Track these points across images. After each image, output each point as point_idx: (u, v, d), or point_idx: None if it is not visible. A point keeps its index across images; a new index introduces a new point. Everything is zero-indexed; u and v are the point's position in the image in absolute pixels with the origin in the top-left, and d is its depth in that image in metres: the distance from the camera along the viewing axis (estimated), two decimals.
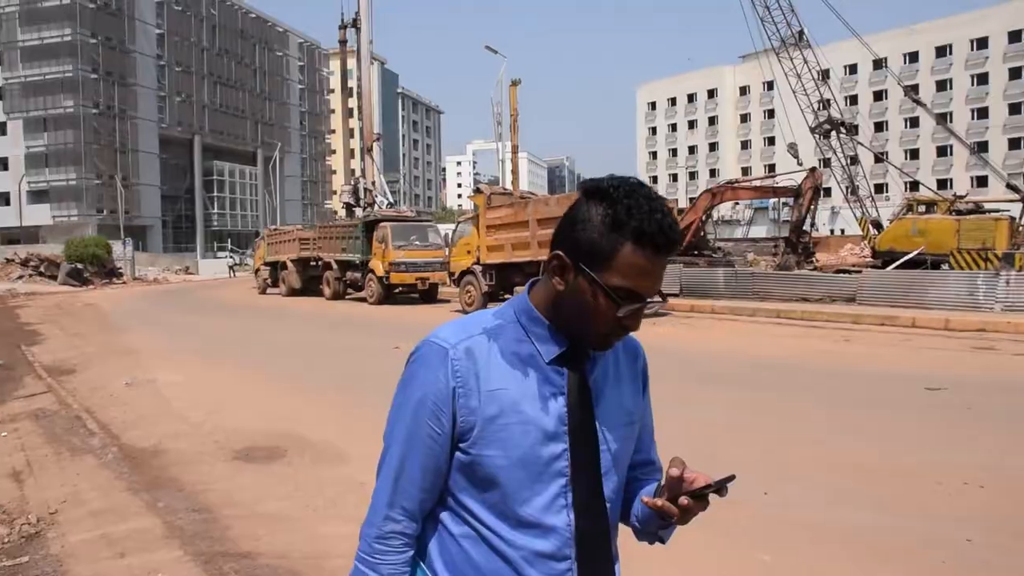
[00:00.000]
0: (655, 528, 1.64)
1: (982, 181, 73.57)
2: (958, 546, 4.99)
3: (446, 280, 26.48)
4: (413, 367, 1.53)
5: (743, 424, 8.45)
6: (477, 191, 24.56)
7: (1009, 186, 30.04)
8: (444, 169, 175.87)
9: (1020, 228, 27.10)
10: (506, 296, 23.23)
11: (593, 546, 1.54)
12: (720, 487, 1.46)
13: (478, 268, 22.77)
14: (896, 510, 5.56)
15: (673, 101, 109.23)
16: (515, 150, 37.28)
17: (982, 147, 78.45)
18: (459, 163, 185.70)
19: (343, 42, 39.20)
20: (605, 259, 1.41)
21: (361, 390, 10.59)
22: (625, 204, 1.40)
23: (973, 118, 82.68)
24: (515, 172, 36.46)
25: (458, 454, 1.50)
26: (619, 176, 1.48)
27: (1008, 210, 28.81)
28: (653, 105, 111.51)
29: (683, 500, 1.46)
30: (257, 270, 40.25)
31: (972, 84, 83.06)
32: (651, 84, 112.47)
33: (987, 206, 30.93)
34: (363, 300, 29.18)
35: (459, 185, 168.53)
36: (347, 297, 31.53)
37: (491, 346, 1.50)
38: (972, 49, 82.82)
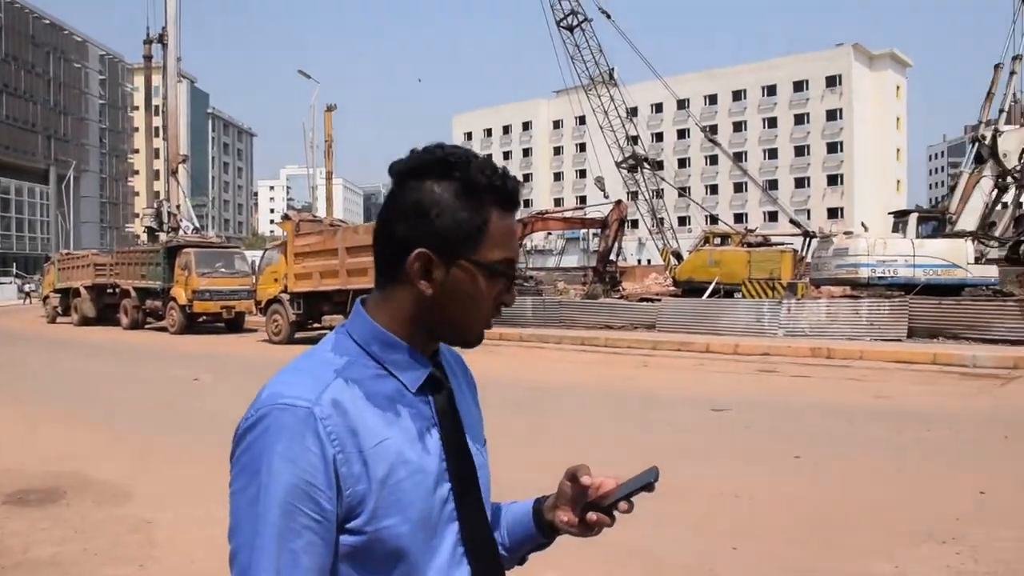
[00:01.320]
0: (528, 551, 1.50)
1: (773, 216, 79.37)
2: (726, 555, 5.32)
3: (252, 309, 25.67)
4: (260, 443, 1.13)
5: (533, 452, 8.62)
6: (285, 218, 24.01)
7: (792, 221, 32.53)
8: (256, 194, 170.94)
9: (803, 260, 29.34)
10: (315, 325, 22.73)
11: None
12: (648, 484, 1.32)
13: (286, 297, 22.20)
14: (674, 525, 5.84)
15: (489, 132, 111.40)
16: (329, 176, 36.84)
17: (773, 185, 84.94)
18: (272, 188, 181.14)
19: (148, 57, 37.46)
20: (479, 236, 1.22)
21: (154, 424, 10.03)
22: (475, 169, 1.22)
23: (765, 158, 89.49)
24: (329, 199, 35.98)
25: (345, 538, 1.16)
26: (431, 145, 1.26)
27: (792, 243, 31.17)
28: (469, 135, 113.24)
29: (591, 516, 1.34)
30: (46, 297, 37.49)
31: (764, 127, 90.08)
32: (467, 114, 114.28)
33: (774, 239, 33.40)
34: (164, 330, 27.76)
35: (272, 211, 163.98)
36: (147, 327, 29.92)
37: (353, 391, 1.19)
38: (763, 95, 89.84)
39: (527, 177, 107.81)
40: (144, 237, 38.03)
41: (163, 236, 33.40)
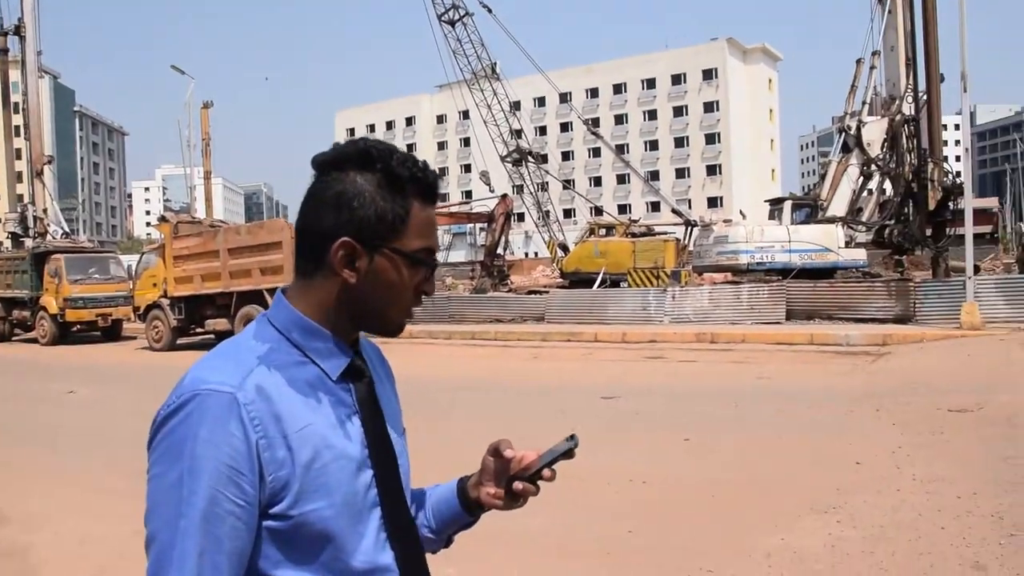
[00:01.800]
0: (455, 531, 1.53)
1: (655, 206, 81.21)
2: (621, 538, 5.42)
3: (131, 315, 24.64)
4: (183, 428, 1.13)
5: (423, 447, 8.56)
6: (162, 220, 23.14)
7: (674, 211, 33.37)
8: (130, 195, 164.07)
9: (685, 248, 30.14)
10: (198, 330, 22.00)
11: (417, 574, 1.36)
12: (568, 451, 1.36)
13: (166, 301, 21.40)
14: (571, 511, 5.89)
15: (372, 128, 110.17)
16: (208, 175, 35.73)
17: (655, 176, 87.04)
18: (147, 189, 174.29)
19: (4, 51, 35.35)
20: (401, 226, 1.24)
21: (25, 442, 9.48)
22: (397, 161, 1.24)
23: (646, 150, 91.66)
24: (208, 199, 34.88)
25: (269, 523, 1.17)
26: (355, 139, 1.28)
27: (675, 232, 31.98)
28: (352, 131, 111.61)
29: (518, 485, 1.38)
30: None
31: (644, 119, 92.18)
32: (350, 110, 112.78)
33: (658, 229, 34.20)
34: (35, 341, 26.35)
35: (148, 212, 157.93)
36: (15, 339, 28.30)
37: (275, 377, 1.20)
38: (643, 88, 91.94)
39: None
40: (8, 243, 35.97)
41: (29, 242, 31.65)
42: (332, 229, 1.22)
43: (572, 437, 1.37)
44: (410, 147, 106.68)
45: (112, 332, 26.38)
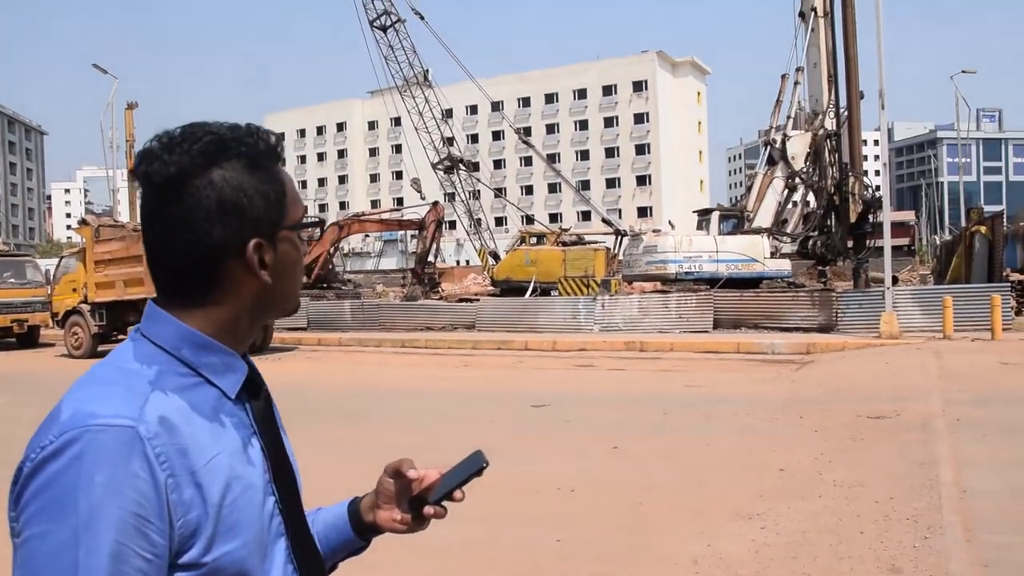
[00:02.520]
0: (342, 558, 1.39)
1: (586, 216, 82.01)
2: (549, 547, 5.42)
3: (48, 321, 23.82)
4: (72, 474, 0.93)
5: (345, 458, 8.46)
6: (83, 223, 22.42)
7: (604, 221, 33.77)
8: (50, 197, 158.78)
9: (615, 257, 30.49)
10: (120, 337, 21.38)
11: None
12: (479, 470, 1.27)
13: (86, 307, 20.74)
14: (498, 520, 5.88)
15: (303, 132, 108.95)
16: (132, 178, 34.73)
17: (586, 186, 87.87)
18: (68, 191, 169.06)
19: None
20: (283, 201, 1.13)
21: None
22: (249, 138, 1.11)
23: (577, 159, 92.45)
24: (132, 202, 33.99)
25: (178, 575, 1.00)
26: (177, 133, 1.09)
27: (605, 242, 32.32)
28: (282, 136, 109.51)
29: (428, 509, 1.29)
30: None
31: (576, 129, 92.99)
32: (280, 114, 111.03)
33: (588, 238, 34.54)
34: None
35: (68, 215, 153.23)
36: None
37: (174, 403, 1.03)
38: (575, 98, 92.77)
39: (342, 179, 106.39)
40: None
41: None
42: (227, 240, 1.07)
43: (478, 454, 1.30)
44: (341, 153, 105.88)
45: (28, 339, 25.47)
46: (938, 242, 49.31)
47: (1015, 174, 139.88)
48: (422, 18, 36.94)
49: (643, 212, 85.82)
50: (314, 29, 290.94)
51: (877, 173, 21.80)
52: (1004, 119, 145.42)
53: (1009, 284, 19.88)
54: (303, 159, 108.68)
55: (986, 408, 9.70)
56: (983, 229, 21.03)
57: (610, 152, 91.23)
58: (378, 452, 8.49)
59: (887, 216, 18.99)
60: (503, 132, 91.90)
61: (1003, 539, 5.27)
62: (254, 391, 1.16)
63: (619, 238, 31.15)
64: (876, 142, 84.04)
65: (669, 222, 34.70)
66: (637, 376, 14.46)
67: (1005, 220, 28.49)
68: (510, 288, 29.12)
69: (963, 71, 48.87)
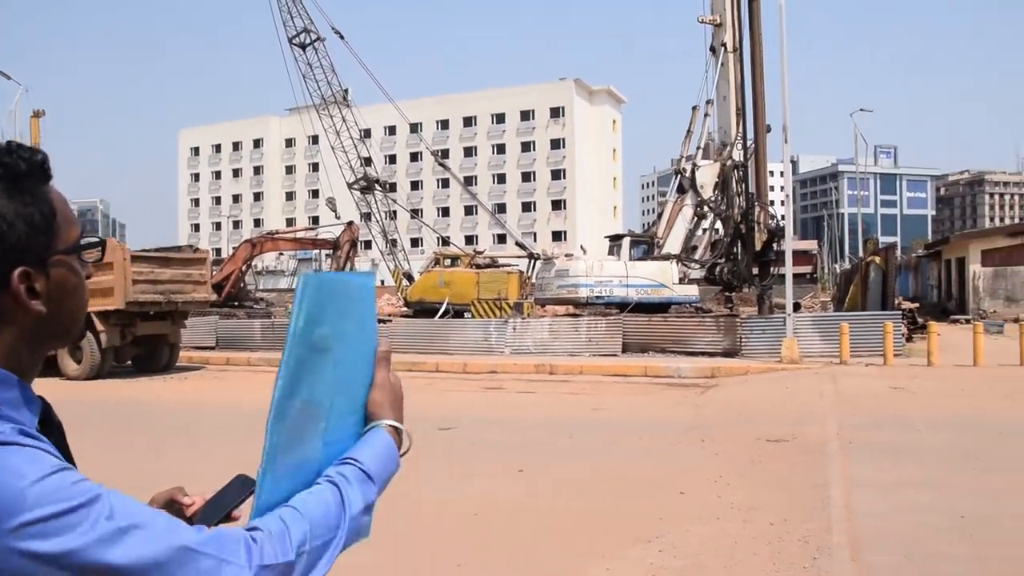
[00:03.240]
0: None
1: (502, 239, 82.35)
2: (450, 572, 5.43)
3: None
4: None
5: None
6: None
7: (518, 244, 34.01)
8: None
9: (528, 280, 30.71)
10: None
11: None
12: (247, 493, 1.24)
13: None
14: (399, 546, 5.83)
15: (218, 148, 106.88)
16: None
17: (501, 209, 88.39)
18: None
19: None
20: (53, 223, 1.05)
21: None
22: (7, 157, 1.02)
23: (494, 182, 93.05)
24: None
25: None
26: None
27: (518, 265, 32.53)
28: (197, 151, 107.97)
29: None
30: None
31: (493, 153, 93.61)
32: (195, 129, 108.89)
33: (502, 261, 34.71)
34: None
35: None
36: None
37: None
38: (493, 122, 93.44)
39: (258, 196, 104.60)
40: None
41: None
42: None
43: (244, 477, 1.28)
44: (257, 170, 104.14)
45: None
46: (838, 270, 51.20)
47: (909, 208, 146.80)
48: (342, 37, 36.76)
49: (558, 236, 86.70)
50: (233, 44, 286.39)
51: (783, 203, 22.54)
52: (899, 156, 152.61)
53: (900, 312, 20.75)
54: (218, 175, 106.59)
55: (876, 431, 10.10)
56: (878, 259, 21.94)
57: (527, 176, 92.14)
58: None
59: (789, 245, 19.64)
60: (421, 154, 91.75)
61: (886, 559, 5.49)
62: (48, 423, 1.09)
63: (532, 261, 31.40)
64: (782, 173, 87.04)
65: (581, 247, 35.22)
66: (546, 399, 14.56)
67: (899, 251, 29.78)
68: (423, 309, 29.02)
69: (861, 109, 51.26)
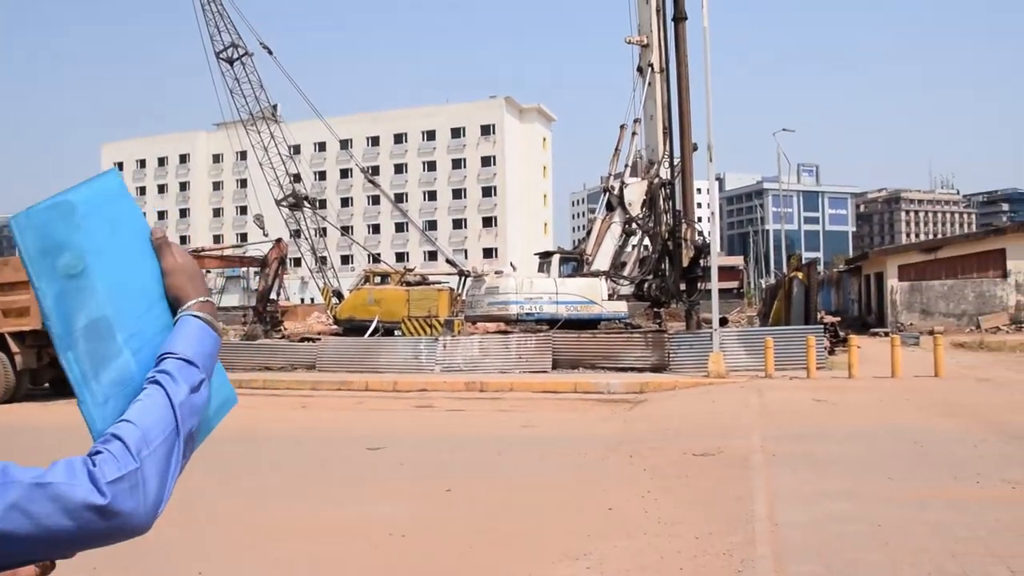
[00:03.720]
0: None
1: (433, 256, 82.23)
2: None
3: None
4: None
5: (173, 505, 8.07)
6: None
7: (448, 261, 33.95)
8: None
9: (459, 297, 30.64)
10: None
11: None
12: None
13: None
14: (324, 568, 5.72)
15: (143, 163, 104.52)
16: None
17: (432, 226, 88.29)
18: None
19: None
20: None
21: None
22: None
23: (425, 199, 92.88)
24: None
25: None
26: None
27: (449, 282, 32.45)
28: (121, 165, 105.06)
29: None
30: None
31: (424, 170, 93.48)
32: (119, 143, 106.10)
33: (432, 278, 34.59)
34: None
35: None
36: None
37: None
38: (424, 139, 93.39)
39: (184, 212, 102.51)
40: None
41: None
42: None
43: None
44: (183, 185, 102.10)
45: None
46: (764, 285, 52.31)
47: (831, 224, 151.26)
48: (270, 53, 36.37)
49: (489, 253, 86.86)
50: (158, 57, 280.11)
51: (709, 220, 22.96)
52: (821, 174, 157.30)
53: (823, 326, 21.26)
54: (143, 191, 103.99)
55: (799, 443, 10.30)
56: (801, 275, 22.47)
57: (457, 193, 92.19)
58: (199, 500, 8.13)
59: (715, 261, 19.99)
60: (351, 170, 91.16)
61: (808, 568, 5.58)
62: None
63: (463, 279, 31.35)
64: (708, 191, 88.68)
65: (511, 263, 35.26)
66: (476, 417, 14.52)
67: (821, 267, 30.56)
68: (353, 327, 28.72)
69: (784, 129, 52.64)
